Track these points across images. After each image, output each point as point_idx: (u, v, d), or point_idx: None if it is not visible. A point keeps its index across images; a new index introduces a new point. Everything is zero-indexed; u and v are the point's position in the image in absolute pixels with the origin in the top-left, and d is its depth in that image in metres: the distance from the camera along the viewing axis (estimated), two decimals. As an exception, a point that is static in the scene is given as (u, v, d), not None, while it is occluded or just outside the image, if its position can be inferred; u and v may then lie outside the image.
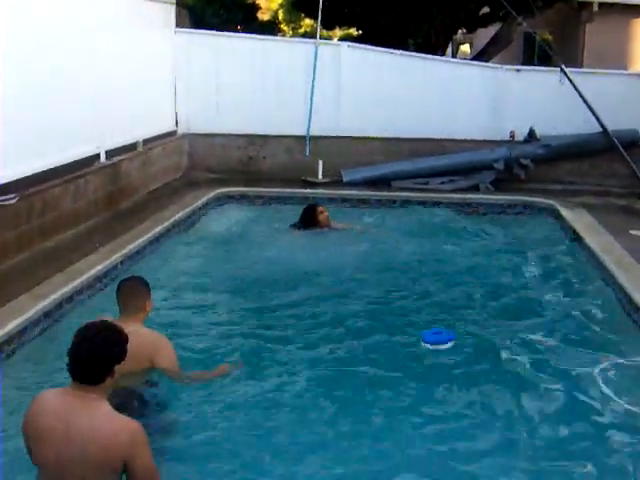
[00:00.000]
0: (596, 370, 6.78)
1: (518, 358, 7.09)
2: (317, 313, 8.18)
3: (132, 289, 6.13)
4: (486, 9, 19.07)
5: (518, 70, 15.79)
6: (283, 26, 39.56)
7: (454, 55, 34.19)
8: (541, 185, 14.49)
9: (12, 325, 6.85)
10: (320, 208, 11.67)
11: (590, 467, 5.31)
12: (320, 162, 14.83)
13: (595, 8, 20.74)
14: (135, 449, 4.17)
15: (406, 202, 13.56)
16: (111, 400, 4.37)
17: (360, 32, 23.05)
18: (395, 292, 8.99)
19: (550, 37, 24.22)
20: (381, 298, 8.78)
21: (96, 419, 4.17)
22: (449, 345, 7.08)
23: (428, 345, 7.06)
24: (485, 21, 19.89)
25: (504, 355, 7.15)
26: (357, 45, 16.07)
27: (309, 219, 11.56)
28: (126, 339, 4.43)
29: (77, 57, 11.01)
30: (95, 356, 4.22)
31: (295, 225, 11.63)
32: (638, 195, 14.02)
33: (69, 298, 7.94)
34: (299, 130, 15.22)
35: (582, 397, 6.37)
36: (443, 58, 17.13)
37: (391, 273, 9.78)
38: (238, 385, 6.32)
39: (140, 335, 5.68)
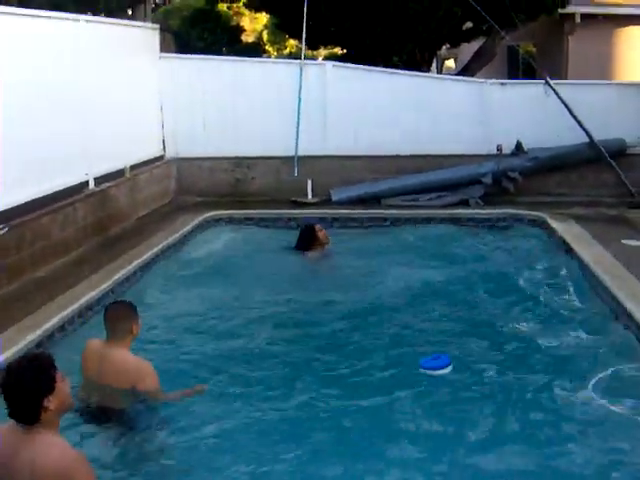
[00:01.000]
0: (592, 382, 6.77)
1: (511, 372, 7.11)
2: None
3: (118, 313, 6.23)
4: (469, 24, 19.11)
5: (503, 84, 15.83)
6: (268, 47, 39.69)
7: (439, 71, 34.29)
8: (530, 198, 14.49)
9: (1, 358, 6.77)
10: (318, 226, 11.63)
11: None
12: (309, 182, 14.83)
13: (577, 19, 20.84)
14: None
15: (397, 220, 13.52)
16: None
17: (345, 51, 23.06)
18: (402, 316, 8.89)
19: (534, 49, 24.29)
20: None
21: (37, 453, 4.15)
22: (448, 370, 6.96)
23: (427, 371, 6.95)
24: (468, 36, 19.92)
25: (500, 369, 7.17)
26: (342, 64, 16.12)
27: (309, 240, 11.52)
28: (51, 364, 4.33)
29: (63, 85, 11.03)
30: (22, 395, 4.18)
31: (294, 247, 11.60)
32: (628, 204, 14.04)
33: (60, 328, 7.89)
34: (287, 151, 15.19)
35: (581, 410, 6.38)
36: (428, 74, 17.17)
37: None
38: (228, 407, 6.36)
39: (125, 361, 5.94)
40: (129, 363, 5.99)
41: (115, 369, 5.83)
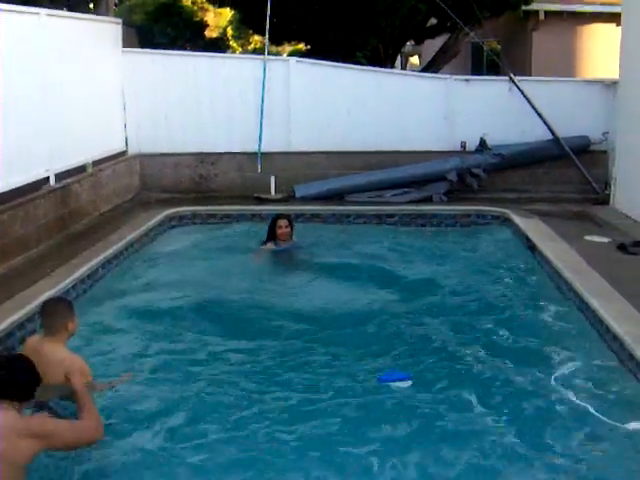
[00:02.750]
0: (554, 376, 6.81)
1: (477, 368, 7.09)
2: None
3: (53, 310, 6.38)
4: (433, 20, 19.14)
5: (467, 80, 15.85)
6: (232, 42, 39.51)
7: (403, 67, 34.35)
8: (495, 194, 14.55)
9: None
10: (280, 222, 11.34)
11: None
12: (272, 178, 14.76)
13: (541, 16, 20.92)
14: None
15: (360, 216, 13.49)
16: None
17: (309, 47, 23.03)
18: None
19: (498, 46, 24.37)
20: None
21: None
22: (406, 384, 6.75)
23: (387, 382, 6.78)
24: (433, 32, 19.99)
25: (466, 362, 7.18)
26: (306, 60, 16.02)
27: (270, 231, 11.40)
28: None
29: (23, 80, 10.88)
30: None
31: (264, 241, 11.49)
32: (592, 201, 14.11)
33: (20, 325, 7.76)
34: (251, 147, 15.12)
35: (544, 405, 6.38)
36: (392, 70, 17.17)
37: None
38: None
39: (57, 355, 6.05)
40: (60, 357, 6.06)
41: (47, 362, 5.86)
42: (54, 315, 6.30)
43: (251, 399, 6.53)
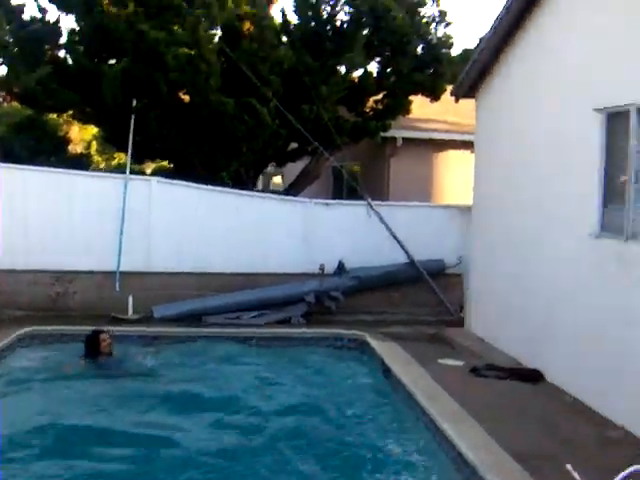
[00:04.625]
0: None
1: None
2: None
3: None
4: (295, 144, 19.54)
5: (327, 204, 16.20)
6: (96, 157, 39.29)
7: (266, 187, 34.73)
8: (353, 317, 14.75)
9: None
10: (102, 336, 11.44)
11: None
12: (130, 298, 14.60)
13: (399, 143, 21.54)
14: None
15: (217, 338, 13.38)
16: None
17: (172, 165, 23.10)
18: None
19: (358, 170, 24.95)
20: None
21: None
22: None
23: None
24: (294, 156, 20.37)
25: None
26: (167, 180, 16.03)
27: (93, 346, 11.42)
28: None
29: None
30: None
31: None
32: (447, 323, 14.45)
33: None
34: (109, 265, 14.99)
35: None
36: (254, 193, 17.34)
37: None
38: None
39: None
40: None
41: None
42: None
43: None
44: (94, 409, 9.53)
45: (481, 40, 13.28)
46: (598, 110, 9.61)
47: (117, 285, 14.93)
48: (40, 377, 11.06)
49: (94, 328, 11.95)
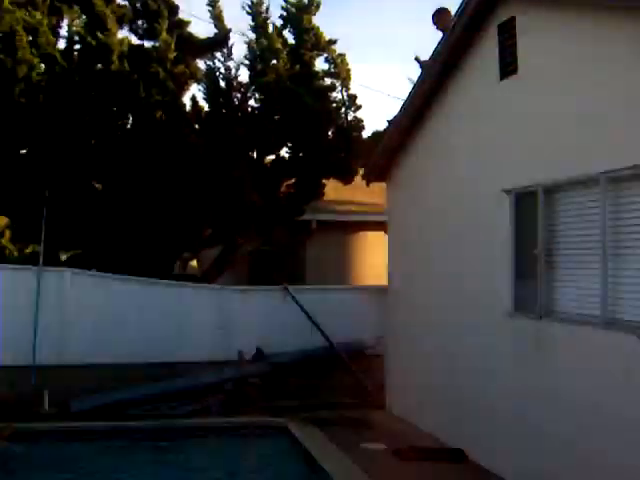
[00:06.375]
0: None
1: None
2: None
3: None
4: (209, 229, 19.53)
5: (243, 290, 16.17)
6: (9, 245, 38.59)
7: (183, 270, 34.52)
8: (274, 403, 14.51)
9: None
10: None
11: None
12: (46, 392, 14.21)
13: (314, 225, 21.70)
14: None
15: (137, 431, 13.03)
16: None
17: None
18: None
19: (274, 254, 25.01)
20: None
21: None
22: None
23: None
24: (209, 242, 20.32)
25: None
26: (82, 271, 15.90)
27: None
28: None
29: None
30: None
31: None
32: (368, 405, 14.35)
33: None
34: (24, 359, 14.59)
35: None
36: (168, 281, 17.14)
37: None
38: None
39: None
40: None
41: None
42: None
43: None
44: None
45: (390, 123, 13.50)
46: (507, 191, 9.81)
47: (33, 379, 14.51)
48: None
49: None
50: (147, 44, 18.93)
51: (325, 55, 19.86)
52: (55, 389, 14.36)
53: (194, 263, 39.26)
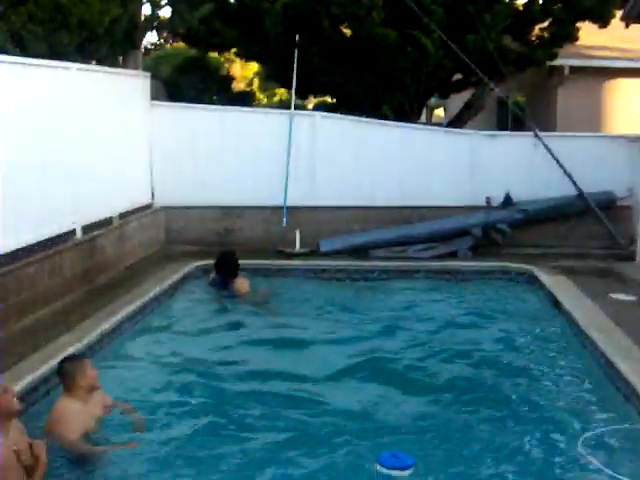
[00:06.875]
0: (580, 440, 6.69)
1: (502, 432, 7.02)
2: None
3: (61, 370, 6.87)
4: (459, 75, 19.22)
5: (492, 135, 15.89)
6: (258, 94, 39.76)
7: (428, 119, 34.46)
8: (519, 250, 14.44)
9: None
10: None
11: None
12: (297, 232, 14.75)
13: (566, 72, 20.96)
14: None
15: (384, 272, 13.44)
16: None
17: (334, 100, 23.17)
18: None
19: (523, 100, 24.44)
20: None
21: None
22: (407, 473, 6.03)
23: (384, 470, 6.03)
24: (458, 87, 20.02)
25: (491, 429, 7.08)
26: (331, 115, 16.17)
27: (233, 267, 12.04)
28: None
29: (51, 132, 10.99)
30: None
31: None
32: (617, 257, 14.01)
33: (44, 379, 7.76)
34: (276, 200, 15.16)
35: (567, 467, 6.30)
36: (417, 126, 17.16)
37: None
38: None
39: (54, 408, 6.64)
40: (54, 409, 6.62)
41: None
42: (63, 375, 6.82)
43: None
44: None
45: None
46: None
47: (284, 220, 15.08)
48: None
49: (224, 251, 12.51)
50: None
51: None
52: (305, 229, 14.85)
53: (440, 112, 39.15)
